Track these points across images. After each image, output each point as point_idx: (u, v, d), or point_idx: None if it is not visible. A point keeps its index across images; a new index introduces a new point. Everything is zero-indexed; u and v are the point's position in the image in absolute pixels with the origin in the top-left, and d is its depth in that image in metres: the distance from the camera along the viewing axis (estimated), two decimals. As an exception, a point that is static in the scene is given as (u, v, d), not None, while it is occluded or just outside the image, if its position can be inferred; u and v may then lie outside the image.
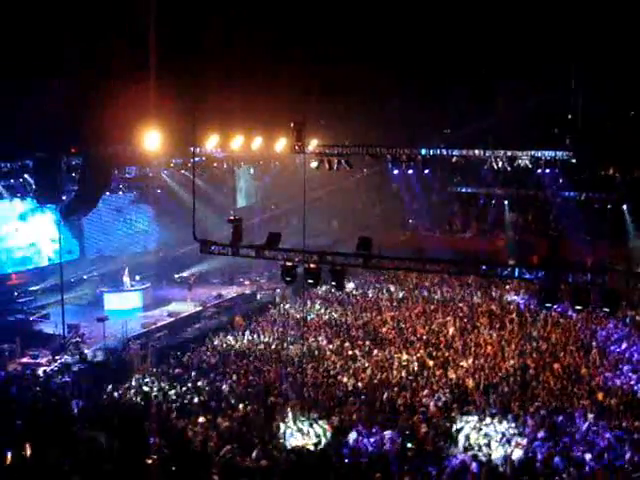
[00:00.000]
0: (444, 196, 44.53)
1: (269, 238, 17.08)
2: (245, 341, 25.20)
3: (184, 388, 20.11)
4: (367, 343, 24.24)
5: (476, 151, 26.95)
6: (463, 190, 45.15)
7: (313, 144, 27.60)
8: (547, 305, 15.77)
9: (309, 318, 28.05)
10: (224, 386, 20.14)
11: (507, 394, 19.12)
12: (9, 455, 10.66)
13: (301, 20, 20.38)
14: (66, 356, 23.72)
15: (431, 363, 21.98)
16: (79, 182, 26.50)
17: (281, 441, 16.12)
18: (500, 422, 17.00)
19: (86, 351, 24.09)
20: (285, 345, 24.37)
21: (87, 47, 19.24)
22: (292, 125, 24.58)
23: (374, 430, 16.38)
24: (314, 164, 27.62)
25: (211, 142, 27.84)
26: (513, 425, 16.91)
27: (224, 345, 24.83)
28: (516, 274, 15.56)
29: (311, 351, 23.65)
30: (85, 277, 31.80)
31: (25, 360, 23.71)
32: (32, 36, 18.46)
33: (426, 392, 19.23)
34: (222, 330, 26.84)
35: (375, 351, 23.42)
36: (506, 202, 43.14)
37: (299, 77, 23.03)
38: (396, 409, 18.18)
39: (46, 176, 24.69)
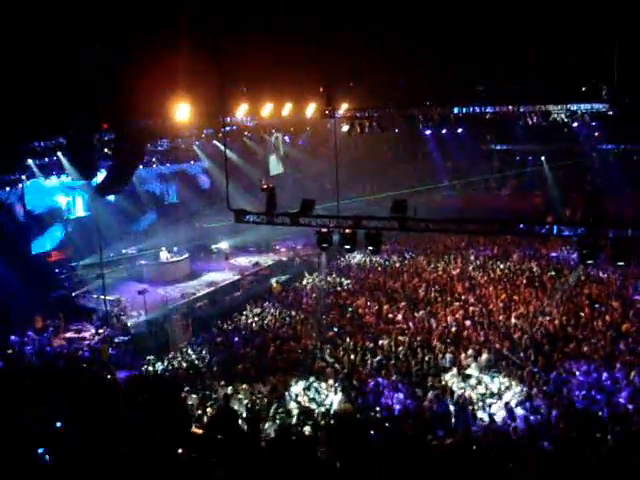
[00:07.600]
0: (479, 155, 43.94)
1: (303, 205, 16.89)
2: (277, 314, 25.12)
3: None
4: (404, 305, 24.24)
5: (510, 107, 26.35)
6: (498, 147, 44.56)
7: (343, 108, 27.27)
8: (589, 262, 15.38)
9: (345, 283, 28.16)
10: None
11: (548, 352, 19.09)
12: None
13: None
14: (109, 329, 24.14)
15: (468, 323, 21.98)
16: (113, 158, 26.46)
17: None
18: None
19: (129, 324, 24.47)
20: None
21: (117, 19, 18.86)
22: (321, 90, 24.28)
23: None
24: (345, 128, 27.32)
25: (241, 110, 27.52)
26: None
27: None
28: (555, 232, 15.17)
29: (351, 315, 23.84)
30: (124, 251, 32.06)
31: (69, 335, 24.16)
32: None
33: (470, 352, 19.26)
34: (260, 298, 27.04)
35: (414, 313, 23.43)
36: (543, 158, 42.59)
37: (326, 40, 22.55)
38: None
39: (80, 153, 24.72)
